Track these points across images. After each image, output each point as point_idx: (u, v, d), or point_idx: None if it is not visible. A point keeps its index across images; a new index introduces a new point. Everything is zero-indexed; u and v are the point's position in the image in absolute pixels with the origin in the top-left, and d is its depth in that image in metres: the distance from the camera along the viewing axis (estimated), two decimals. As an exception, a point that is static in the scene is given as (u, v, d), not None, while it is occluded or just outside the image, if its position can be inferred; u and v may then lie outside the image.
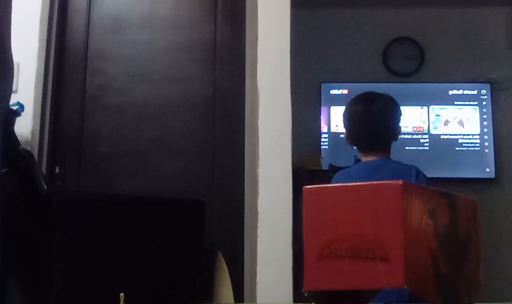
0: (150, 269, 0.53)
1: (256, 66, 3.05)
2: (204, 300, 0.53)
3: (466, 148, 4.05)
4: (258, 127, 2.96)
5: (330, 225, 0.51)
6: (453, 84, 4.14)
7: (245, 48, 3.21)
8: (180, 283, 0.54)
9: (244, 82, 3.18)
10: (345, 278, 0.49)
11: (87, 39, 3.31)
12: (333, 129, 4.33)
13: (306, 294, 0.52)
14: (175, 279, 0.54)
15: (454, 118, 4.11)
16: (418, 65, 4.25)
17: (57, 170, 3.16)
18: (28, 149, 0.55)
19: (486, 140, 4.05)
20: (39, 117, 3.09)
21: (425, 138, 4.19)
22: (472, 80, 4.14)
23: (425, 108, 4.18)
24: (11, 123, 0.55)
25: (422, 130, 4.21)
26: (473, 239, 0.60)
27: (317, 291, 0.51)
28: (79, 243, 0.51)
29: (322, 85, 4.36)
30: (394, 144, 2.03)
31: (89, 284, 0.51)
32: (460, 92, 4.14)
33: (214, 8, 3.33)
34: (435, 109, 4.16)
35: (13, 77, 0.56)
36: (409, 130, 4.19)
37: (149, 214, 0.54)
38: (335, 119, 4.31)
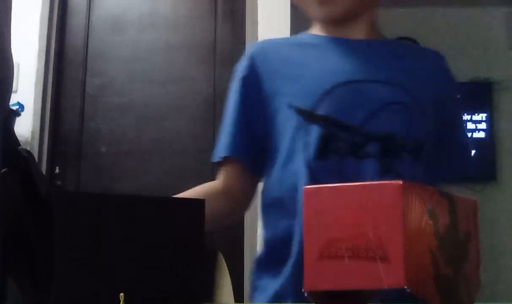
0: (150, 269, 0.53)
1: (256, 66, 3.05)
2: (204, 300, 0.53)
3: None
4: (258, 127, 2.95)
5: (330, 225, 0.51)
6: (453, 84, 4.14)
7: (245, 48, 3.22)
8: (180, 283, 0.54)
9: (244, 82, 3.18)
10: (345, 278, 0.49)
11: (87, 39, 3.31)
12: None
13: (306, 294, 0.52)
14: (175, 279, 0.54)
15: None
16: (418, 65, 4.24)
17: (57, 170, 3.16)
18: (28, 149, 0.56)
19: (486, 140, 4.05)
20: (39, 117, 3.09)
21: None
22: (472, 80, 4.14)
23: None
24: (11, 123, 0.55)
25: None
26: (473, 239, 0.60)
27: (317, 291, 0.51)
28: (79, 243, 0.51)
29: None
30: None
31: (89, 284, 0.51)
32: (460, 92, 4.13)
33: (214, 8, 3.33)
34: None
35: (13, 77, 0.56)
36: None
37: (149, 214, 0.54)
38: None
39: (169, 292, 0.54)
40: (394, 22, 4.25)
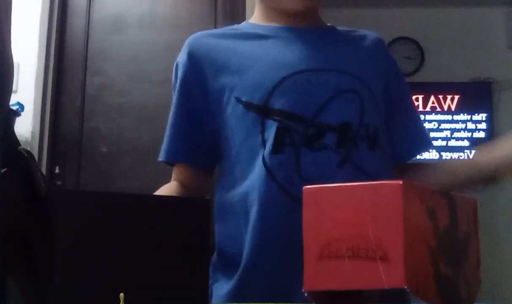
0: (151, 269, 0.53)
1: (256, 66, 3.04)
2: (205, 301, 0.53)
3: (466, 148, 4.05)
4: (258, 127, 2.95)
5: (330, 225, 0.51)
6: (453, 84, 4.14)
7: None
8: (182, 283, 0.54)
9: (244, 82, 3.17)
10: (345, 278, 0.49)
11: (87, 39, 3.30)
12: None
13: (306, 294, 0.52)
14: (176, 279, 0.54)
15: (455, 118, 4.11)
16: (418, 65, 4.25)
17: (57, 170, 3.16)
18: (28, 149, 0.56)
19: (486, 140, 4.05)
20: (39, 117, 3.09)
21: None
22: (472, 80, 4.14)
23: (425, 107, 4.18)
24: (11, 123, 0.55)
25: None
26: (473, 239, 0.60)
27: (317, 291, 0.51)
28: (79, 243, 0.51)
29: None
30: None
31: (89, 284, 0.51)
32: (460, 92, 4.13)
33: (214, 8, 3.33)
34: (434, 108, 4.17)
35: (13, 77, 0.56)
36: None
37: (150, 213, 0.54)
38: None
39: (170, 292, 0.54)
40: (394, 22, 4.26)
